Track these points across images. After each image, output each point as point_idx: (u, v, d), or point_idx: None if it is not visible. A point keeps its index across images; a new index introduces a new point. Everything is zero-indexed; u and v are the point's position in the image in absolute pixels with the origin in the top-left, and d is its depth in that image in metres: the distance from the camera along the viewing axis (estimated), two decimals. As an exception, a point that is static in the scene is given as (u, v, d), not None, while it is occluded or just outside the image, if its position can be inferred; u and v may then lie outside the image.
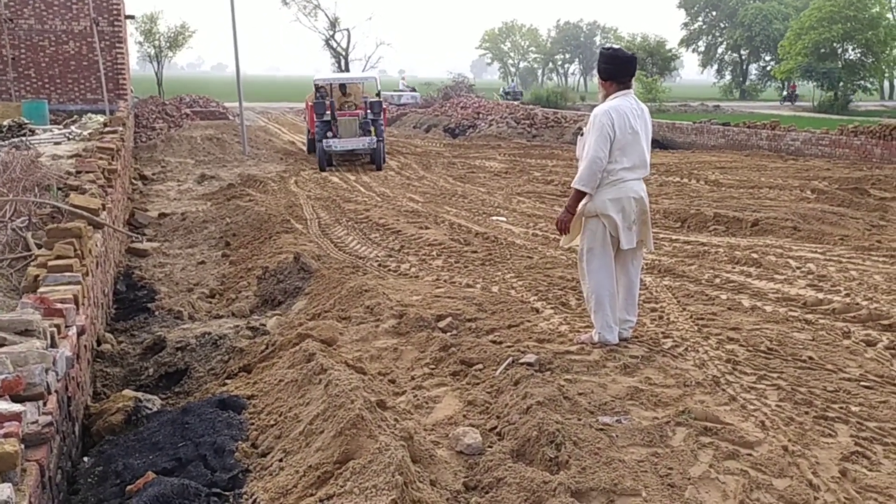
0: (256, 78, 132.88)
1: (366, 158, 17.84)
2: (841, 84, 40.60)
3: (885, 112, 34.05)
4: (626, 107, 4.82)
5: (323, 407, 3.55)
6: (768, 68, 58.14)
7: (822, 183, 12.67)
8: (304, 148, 20.40)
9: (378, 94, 18.68)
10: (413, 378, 4.63)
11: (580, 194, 4.89)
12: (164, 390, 4.90)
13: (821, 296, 6.26)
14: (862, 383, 4.43)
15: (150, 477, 3.24)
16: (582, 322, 5.63)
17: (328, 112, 17.28)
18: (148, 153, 18.03)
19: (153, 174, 15.35)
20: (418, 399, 4.29)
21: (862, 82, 42.04)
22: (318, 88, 18.65)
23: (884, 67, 43.08)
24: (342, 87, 19.23)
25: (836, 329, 5.43)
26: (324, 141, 16.59)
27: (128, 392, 4.41)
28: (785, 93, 42.11)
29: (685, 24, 67.74)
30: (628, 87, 4.91)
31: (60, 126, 15.68)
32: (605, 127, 4.75)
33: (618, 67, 4.89)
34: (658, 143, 22.47)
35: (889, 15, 42.03)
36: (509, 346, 5.00)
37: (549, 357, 4.76)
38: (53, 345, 3.55)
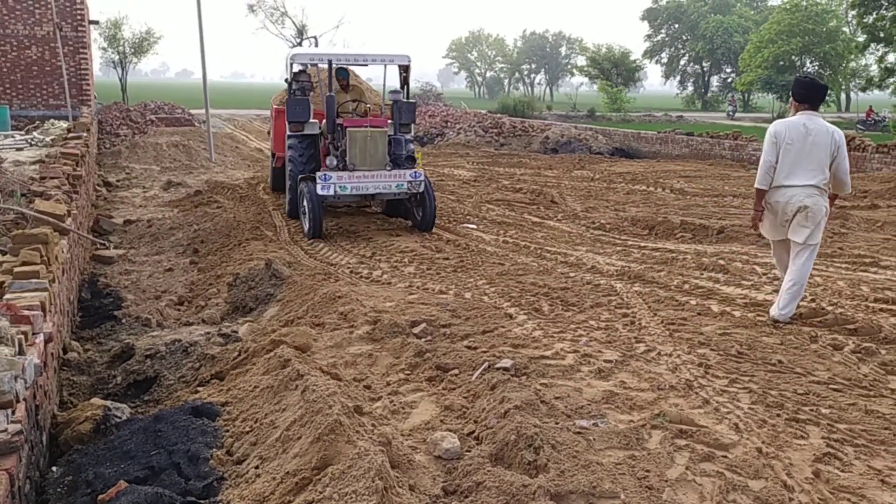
0: (221, 84, 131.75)
1: (375, 207, 11.43)
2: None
3: (842, 124, 34.86)
4: (798, 123, 5.68)
5: (300, 413, 3.51)
6: (729, 80, 59.26)
7: (784, 192, 12.91)
8: (269, 172, 13.57)
9: (405, 91, 10.86)
10: (389, 384, 4.61)
11: (760, 192, 5.84)
12: (133, 399, 4.81)
13: (788, 301, 6.37)
14: (831, 386, 4.52)
15: (122, 486, 3.18)
16: (556, 327, 5.66)
17: (320, 120, 10.36)
18: (112, 159, 17.73)
19: (118, 181, 15.10)
20: (395, 404, 4.27)
21: (820, 94, 43.02)
22: (295, 75, 10.52)
23: (841, 80, 44.16)
24: (342, 74, 11.06)
25: (804, 333, 5.53)
26: (319, 178, 9.20)
27: (96, 400, 4.31)
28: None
29: (648, 36, 68.73)
30: (815, 109, 5.78)
31: (22, 132, 15.37)
32: (771, 137, 5.75)
33: (811, 93, 5.77)
34: (623, 153, 22.78)
35: (846, 29, 43.12)
36: (484, 352, 5.00)
37: (525, 362, 4.77)
38: (21, 352, 3.47)
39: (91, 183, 12.39)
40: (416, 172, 9.64)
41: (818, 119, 5.70)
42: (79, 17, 20.16)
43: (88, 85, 20.87)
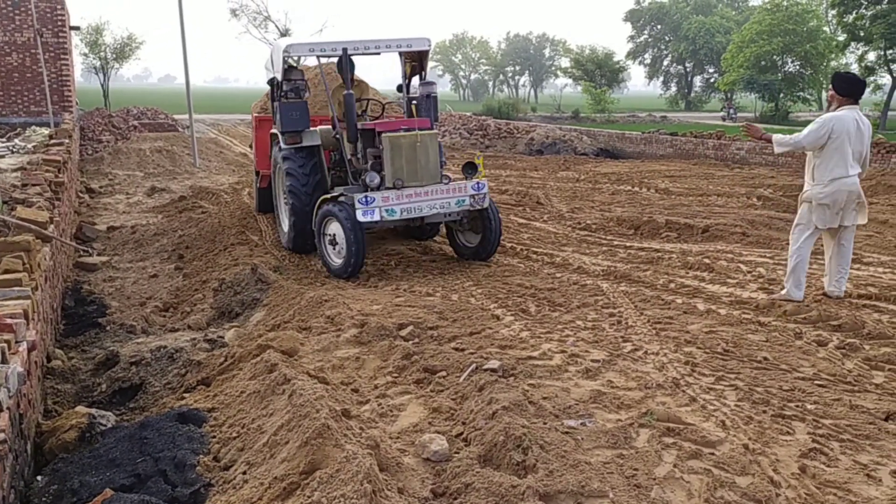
0: (204, 88, 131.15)
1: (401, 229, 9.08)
2: (781, 95, 41.85)
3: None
4: (850, 117, 6.10)
5: (287, 417, 3.49)
6: (712, 80, 59.68)
7: (767, 190, 13.02)
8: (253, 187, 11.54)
9: (421, 74, 8.80)
10: (376, 387, 4.60)
11: (769, 144, 6.42)
12: (118, 406, 4.77)
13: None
14: (816, 382, 4.55)
15: (108, 494, 3.15)
16: (543, 328, 5.67)
17: (324, 121, 8.83)
18: (94, 166, 17.60)
19: (100, 187, 14.98)
20: (382, 407, 4.25)
21: (801, 94, 43.33)
22: (285, 73, 8.27)
23: (822, 79, 44.49)
24: (345, 66, 8.10)
25: (789, 330, 5.57)
26: (359, 201, 7.25)
27: (81, 408, 4.28)
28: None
29: (631, 37, 69.15)
30: (856, 102, 6.21)
31: (3, 139, 15.22)
32: (824, 127, 6.07)
33: (855, 87, 6.22)
34: (607, 153, 22.87)
35: (826, 28, 43.52)
36: (472, 353, 5.00)
37: (512, 363, 4.78)
38: (4, 361, 3.44)
39: (73, 189, 12.30)
40: (478, 183, 7.68)
41: (859, 113, 6.19)
42: (59, 23, 20.00)
43: (70, 91, 20.70)
